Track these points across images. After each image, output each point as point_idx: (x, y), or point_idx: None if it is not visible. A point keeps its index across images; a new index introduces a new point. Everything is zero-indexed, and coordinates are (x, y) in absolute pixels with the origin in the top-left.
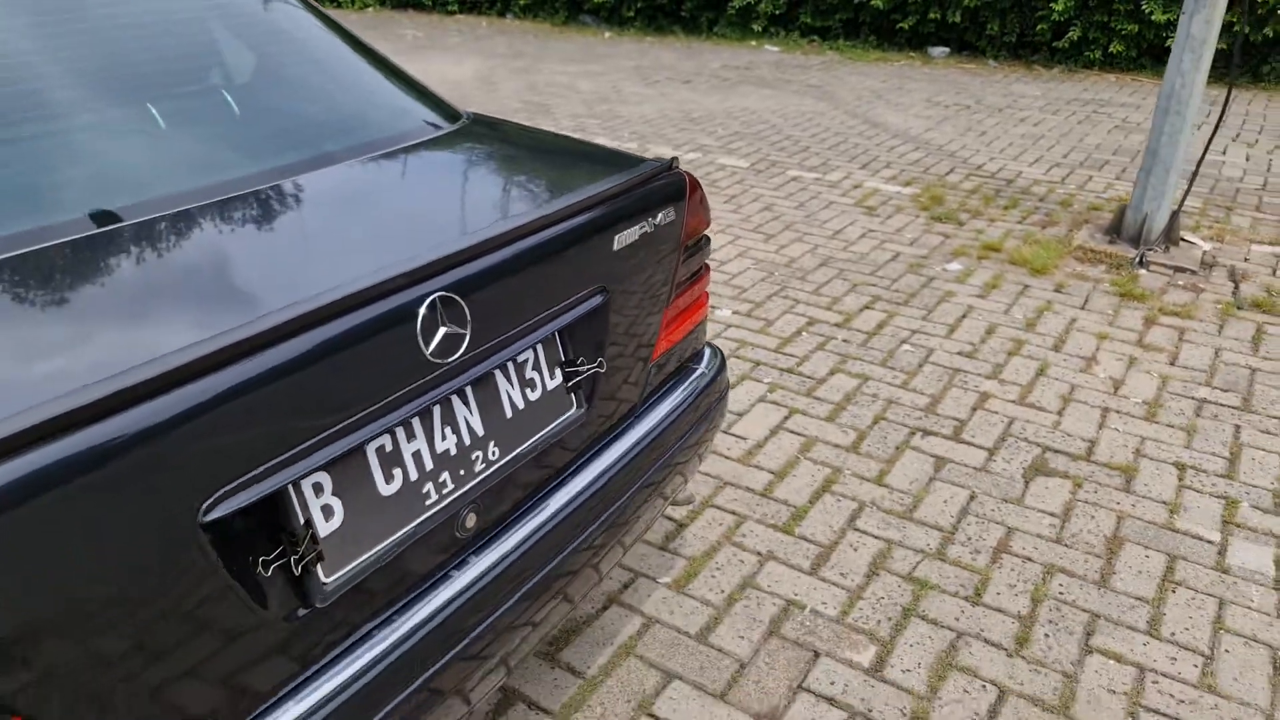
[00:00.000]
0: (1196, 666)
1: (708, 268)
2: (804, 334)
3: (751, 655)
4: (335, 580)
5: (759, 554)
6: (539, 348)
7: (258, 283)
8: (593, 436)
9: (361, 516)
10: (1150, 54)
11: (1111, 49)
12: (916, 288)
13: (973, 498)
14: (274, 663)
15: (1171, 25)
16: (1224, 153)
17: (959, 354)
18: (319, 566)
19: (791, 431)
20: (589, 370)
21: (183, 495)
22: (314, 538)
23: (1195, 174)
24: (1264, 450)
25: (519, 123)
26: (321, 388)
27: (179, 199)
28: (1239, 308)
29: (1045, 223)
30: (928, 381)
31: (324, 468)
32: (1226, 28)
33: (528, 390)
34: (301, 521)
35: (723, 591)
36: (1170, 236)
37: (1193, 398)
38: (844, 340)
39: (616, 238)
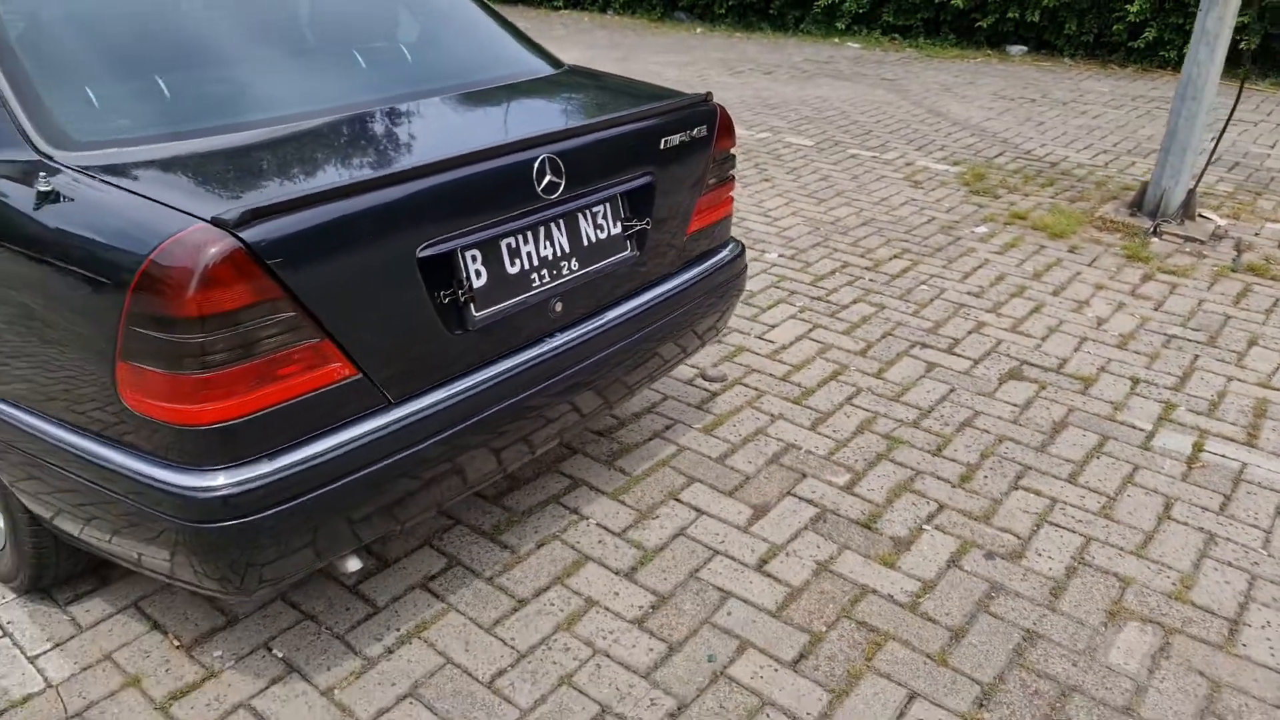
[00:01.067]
0: (1099, 503)
1: (732, 179)
2: (837, 274)
3: (755, 472)
4: (480, 316)
5: (771, 414)
6: (606, 204)
7: (450, 138)
8: (642, 277)
9: (496, 283)
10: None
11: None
12: (943, 244)
13: (952, 390)
14: (444, 360)
15: (1245, 29)
16: (1273, 147)
17: (967, 294)
18: (471, 305)
19: (813, 340)
20: (639, 226)
21: (412, 236)
22: (470, 286)
23: (1211, 155)
24: (1214, 374)
25: (604, 70)
26: (481, 196)
27: (385, 100)
28: (1234, 270)
29: (1075, 197)
30: (935, 311)
31: (476, 246)
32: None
33: (598, 231)
34: (464, 274)
35: (740, 435)
36: (1187, 211)
37: (1164, 334)
38: (870, 279)
39: (663, 139)
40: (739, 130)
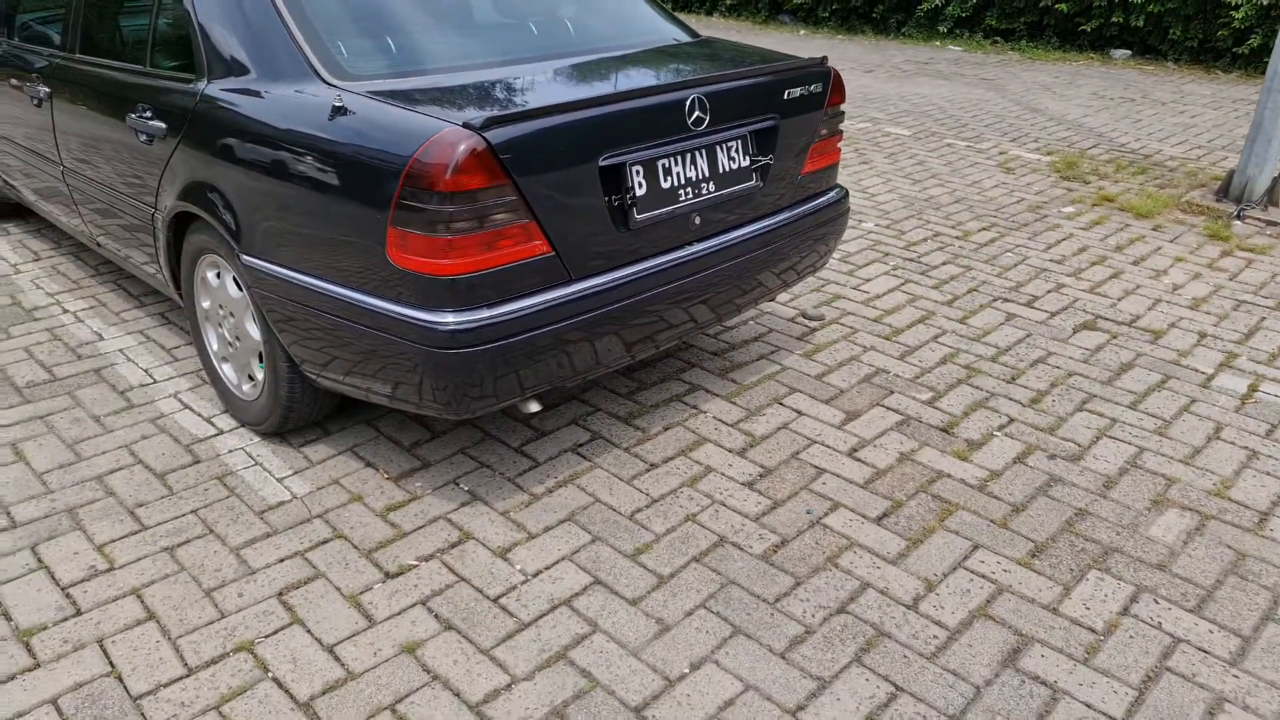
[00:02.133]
0: (1156, 424)
1: (841, 132)
2: (928, 241)
3: (848, 388)
4: (640, 218)
5: (864, 346)
6: (739, 140)
7: (622, 80)
8: (764, 206)
9: (653, 193)
10: None
11: None
12: (1030, 221)
13: (1029, 335)
14: (611, 250)
15: None
16: None
17: (1050, 260)
18: (634, 209)
19: (903, 292)
20: (764, 161)
21: (596, 149)
22: (634, 194)
23: None
24: (1278, 333)
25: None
26: (646, 122)
27: (566, 54)
28: None
29: (1164, 185)
30: (1018, 274)
31: (639, 162)
32: None
33: (731, 161)
34: (630, 184)
35: (836, 360)
36: (1271, 198)
37: (1236, 299)
38: (959, 247)
39: (785, 91)
40: None
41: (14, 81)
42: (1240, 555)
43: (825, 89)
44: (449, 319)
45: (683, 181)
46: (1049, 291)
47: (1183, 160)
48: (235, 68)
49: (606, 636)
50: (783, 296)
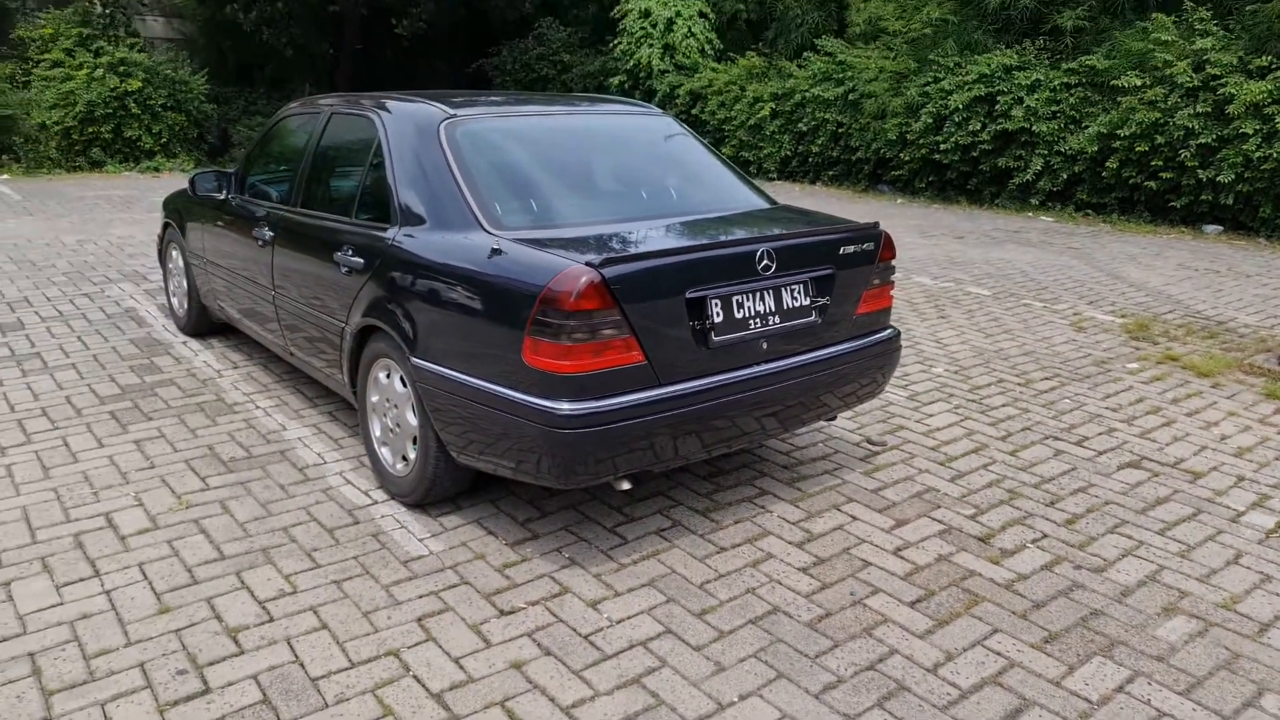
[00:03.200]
0: (1180, 548)
1: (893, 283)
2: (991, 386)
3: (900, 501)
4: (717, 340)
5: (919, 469)
6: (801, 284)
7: (707, 235)
8: (822, 338)
9: (728, 321)
10: None
11: None
12: (1093, 374)
13: (1074, 469)
14: (692, 364)
15: None
16: None
17: (1106, 409)
18: (712, 332)
19: (962, 427)
20: (822, 302)
21: (684, 285)
22: (712, 320)
23: None
24: None
25: (807, 208)
26: (724, 267)
27: (668, 215)
28: None
29: (1231, 348)
30: (1073, 418)
31: (718, 296)
32: None
33: (794, 300)
34: (710, 313)
35: (892, 479)
36: None
37: None
38: (1020, 392)
39: (842, 247)
40: (925, 280)
41: (224, 223)
42: (1235, 655)
43: (877, 247)
44: (565, 406)
45: (753, 314)
46: (1100, 434)
47: (1255, 328)
48: (417, 219)
49: (673, 670)
50: (849, 424)
